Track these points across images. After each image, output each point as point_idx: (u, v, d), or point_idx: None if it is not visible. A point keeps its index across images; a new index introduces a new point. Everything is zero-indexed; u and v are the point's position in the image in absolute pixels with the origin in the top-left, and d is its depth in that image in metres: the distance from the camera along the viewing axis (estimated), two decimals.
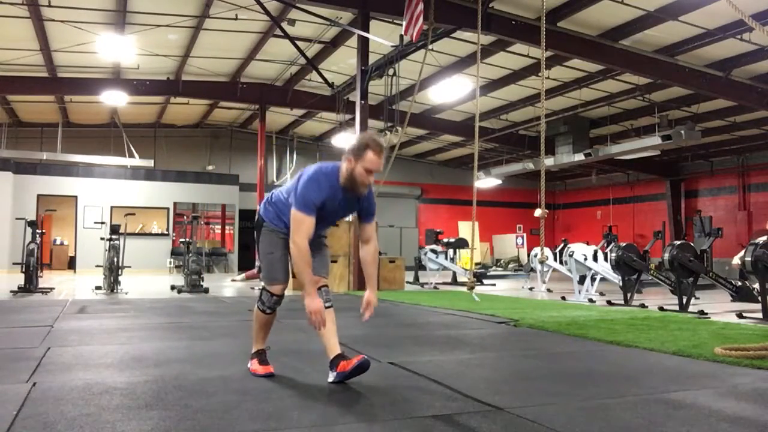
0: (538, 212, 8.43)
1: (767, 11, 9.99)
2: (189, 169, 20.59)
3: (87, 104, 17.75)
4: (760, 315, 6.50)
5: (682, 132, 14.30)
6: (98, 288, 10.15)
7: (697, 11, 10.52)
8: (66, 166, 18.80)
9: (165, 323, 5.93)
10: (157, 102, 18.38)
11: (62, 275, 16.67)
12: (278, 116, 19.76)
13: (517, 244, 23.20)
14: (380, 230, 12.52)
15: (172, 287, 10.66)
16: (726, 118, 16.18)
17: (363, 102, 11.75)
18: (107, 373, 3.45)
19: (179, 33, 13.11)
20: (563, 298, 9.59)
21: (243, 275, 15.12)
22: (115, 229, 10.19)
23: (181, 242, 12.21)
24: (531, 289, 11.94)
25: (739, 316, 6.67)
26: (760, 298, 6.74)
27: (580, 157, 17.11)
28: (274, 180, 22.46)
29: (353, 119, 12.42)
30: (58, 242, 20.74)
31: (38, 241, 10.21)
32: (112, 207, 18.24)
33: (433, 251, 13.50)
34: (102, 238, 10.62)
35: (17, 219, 12.41)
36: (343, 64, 14.61)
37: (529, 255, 14.12)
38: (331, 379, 3.16)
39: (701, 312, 6.98)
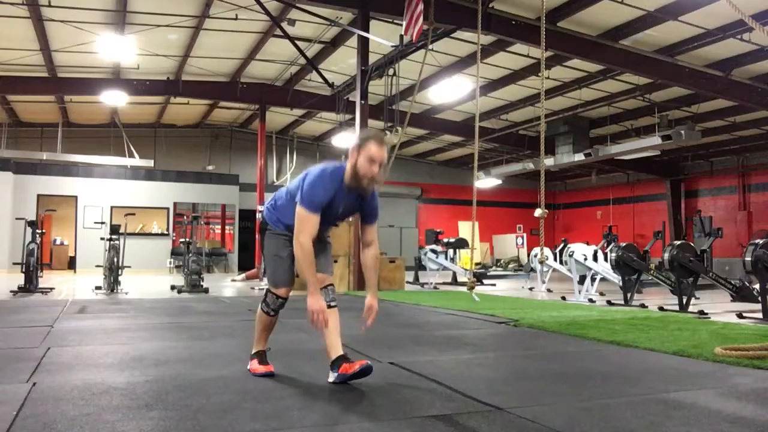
0: (538, 212, 8.42)
1: (767, 11, 9.99)
2: (189, 169, 20.59)
3: (87, 104, 17.75)
4: (760, 315, 6.50)
5: (682, 132, 14.30)
6: (98, 288, 10.15)
7: (697, 11, 10.52)
8: (66, 166, 18.79)
9: (165, 323, 5.93)
10: (157, 102, 18.38)
11: (62, 275, 16.67)
12: (278, 116, 19.77)
13: (517, 244, 23.20)
14: (380, 230, 12.44)
15: (172, 287, 10.67)
16: (726, 118, 16.18)
17: (363, 102, 11.74)
18: (107, 373, 3.45)
19: (179, 33, 13.11)
20: (563, 298, 9.59)
21: (243, 275, 15.12)
22: (115, 229, 10.19)
23: (181, 242, 12.21)
24: (531, 289, 11.94)
25: (739, 316, 6.67)
26: (760, 298, 6.74)
27: (580, 157, 17.11)
28: (274, 180, 22.47)
29: (353, 119, 12.42)
30: (58, 242, 20.74)
31: (38, 241, 10.21)
32: (112, 207, 18.24)
33: (433, 251, 13.50)
34: (102, 238, 10.62)
35: (17, 219, 12.41)
36: (343, 64, 14.61)
37: (529, 255, 14.12)
38: (331, 379, 3.16)
39: (701, 312, 6.98)
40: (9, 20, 11.95)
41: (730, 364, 3.80)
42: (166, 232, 19.34)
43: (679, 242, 7.99)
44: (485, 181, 21.29)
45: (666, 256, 7.76)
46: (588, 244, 11.24)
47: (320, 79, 14.20)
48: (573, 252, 9.76)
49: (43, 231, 11.73)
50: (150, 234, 19.38)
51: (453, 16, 11.02)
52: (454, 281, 14.11)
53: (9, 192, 17.59)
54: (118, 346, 4.46)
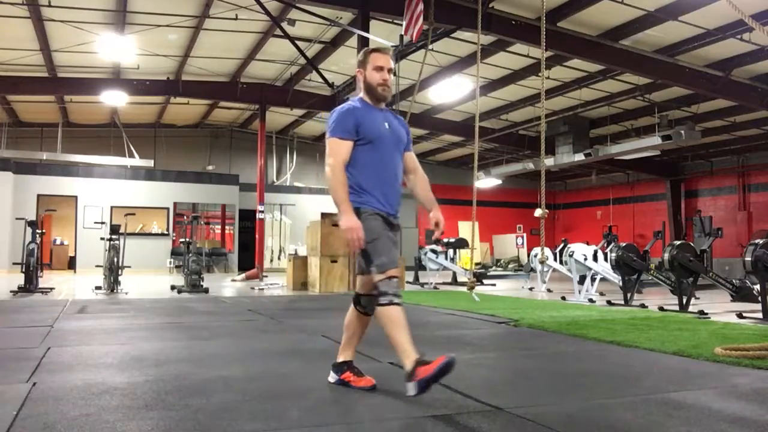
0: (538, 212, 8.43)
1: (767, 11, 9.99)
2: (189, 169, 20.59)
3: (87, 104, 17.76)
4: (760, 315, 6.50)
5: (682, 132, 14.30)
6: (98, 288, 10.15)
7: (697, 11, 10.52)
8: (66, 166, 18.80)
9: (165, 323, 5.93)
10: (157, 102, 18.38)
11: (62, 275, 16.67)
12: (278, 116, 19.77)
13: (517, 244, 23.20)
14: None
15: (172, 287, 10.66)
16: (726, 118, 16.19)
17: None
18: (107, 373, 3.45)
19: (179, 33, 13.11)
20: (563, 298, 9.59)
21: (243, 275, 15.12)
22: (115, 229, 10.18)
23: (181, 242, 12.20)
24: (531, 289, 11.94)
25: (739, 316, 6.67)
26: (760, 298, 6.74)
27: (580, 157, 17.11)
28: (274, 180, 22.47)
29: None
30: (58, 242, 20.75)
31: (38, 241, 10.21)
32: (112, 207, 18.24)
33: (433, 251, 13.49)
34: (102, 238, 10.62)
35: (17, 219, 12.41)
36: (343, 64, 14.61)
37: (529, 255, 14.12)
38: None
39: (701, 312, 6.98)
40: (9, 20, 11.95)
41: (730, 364, 3.79)
42: (166, 232, 19.34)
43: (679, 242, 7.99)
44: (485, 181, 21.29)
45: (666, 256, 7.76)
46: (588, 244, 11.23)
47: (320, 79, 14.21)
48: (573, 252, 9.75)
49: (43, 231, 11.73)
50: (150, 234, 19.38)
51: (453, 16, 11.02)
52: (454, 281, 14.11)
53: (9, 192, 17.59)
54: (118, 346, 4.46)
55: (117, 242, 10.07)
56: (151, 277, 15.55)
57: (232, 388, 3.09)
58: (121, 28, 12.42)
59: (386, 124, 3.09)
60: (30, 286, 9.69)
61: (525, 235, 23.19)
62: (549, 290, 11.27)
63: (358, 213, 2.95)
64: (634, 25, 11.36)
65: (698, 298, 8.57)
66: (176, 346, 4.51)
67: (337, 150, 2.97)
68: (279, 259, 20.75)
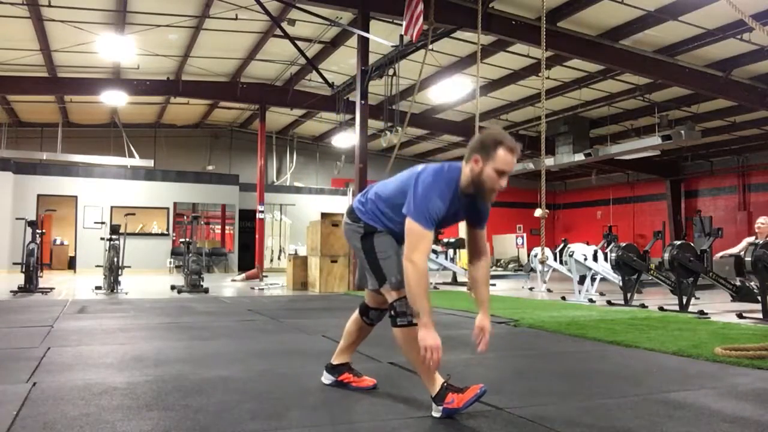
0: (538, 212, 8.43)
1: (767, 11, 9.99)
2: (189, 169, 20.59)
3: (87, 104, 17.76)
4: (760, 315, 6.50)
5: (682, 132, 14.30)
6: (98, 288, 10.15)
7: (697, 11, 10.53)
8: (66, 166, 18.79)
9: (165, 323, 5.93)
10: (157, 102, 18.38)
11: (62, 275, 16.67)
12: (278, 116, 19.77)
13: (517, 244, 23.19)
14: None
15: (172, 287, 10.66)
16: (726, 118, 16.19)
17: (363, 102, 11.74)
18: (107, 373, 3.45)
19: (179, 33, 13.11)
20: (563, 298, 9.59)
21: (243, 275, 15.12)
22: (115, 229, 10.19)
23: (181, 242, 12.20)
24: (531, 289, 11.94)
25: (739, 316, 6.67)
26: (760, 298, 6.74)
27: (580, 157, 17.11)
28: (274, 180, 22.48)
29: (353, 119, 12.42)
30: (58, 242, 20.74)
31: (38, 241, 10.21)
32: (112, 207, 18.23)
33: (433, 251, 13.48)
34: (102, 238, 10.62)
35: (17, 219, 12.41)
36: (343, 64, 14.61)
37: (529, 255, 14.11)
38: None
39: (701, 312, 6.98)
40: (9, 20, 11.95)
41: (730, 364, 3.80)
42: (166, 232, 19.34)
43: (679, 242, 7.99)
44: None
45: (666, 256, 7.76)
46: (588, 244, 11.23)
47: (320, 79, 14.20)
48: (573, 252, 9.75)
49: (43, 231, 11.72)
50: (150, 234, 19.38)
51: (453, 16, 11.02)
52: (454, 281, 14.11)
53: (9, 192, 17.59)
54: (118, 346, 4.46)
55: (117, 242, 10.07)
56: (151, 277, 15.55)
57: (232, 388, 3.09)
58: (121, 28, 12.42)
59: (455, 211, 2.70)
60: (30, 286, 9.69)
61: (525, 235, 23.19)
62: (549, 290, 11.27)
63: (372, 232, 2.79)
64: (634, 25, 11.36)
65: (698, 298, 8.56)
66: (176, 346, 4.51)
67: (423, 243, 2.54)
68: (279, 259, 20.75)
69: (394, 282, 2.66)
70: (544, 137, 8.85)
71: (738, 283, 8.84)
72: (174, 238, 19.08)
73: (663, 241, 16.65)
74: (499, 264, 23.21)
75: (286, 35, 12.33)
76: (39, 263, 10.34)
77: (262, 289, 11.70)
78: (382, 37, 11.44)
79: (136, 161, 19.30)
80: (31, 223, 10.27)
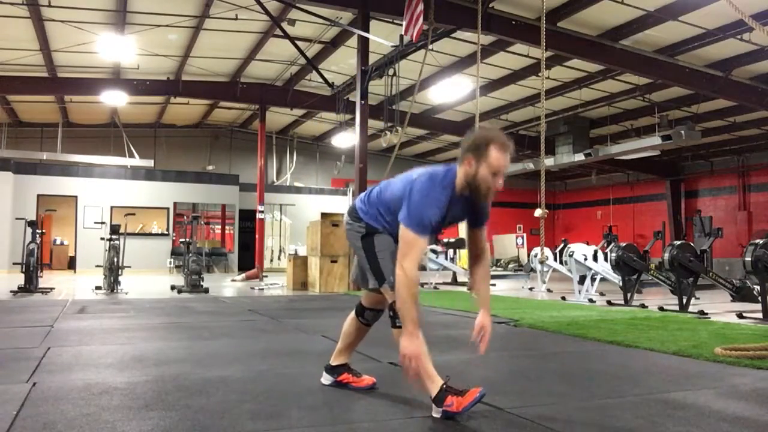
0: (538, 212, 8.43)
1: (767, 11, 9.99)
2: (189, 169, 20.59)
3: (87, 104, 17.76)
4: (760, 315, 6.50)
5: (682, 132, 14.30)
6: (98, 288, 10.15)
7: (697, 11, 10.52)
8: (66, 166, 18.79)
9: (165, 323, 5.93)
10: (157, 102, 18.38)
11: (62, 275, 16.67)
12: (278, 116, 19.77)
13: (517, 244, 23.19)
14: None
15: (172, 287, 10.66)
16: (726, 118, 16.19)
17: (363, 102, 11.75)
18: (107, 373, 3.45)
19: (179, 33, 13.11)
20: (563, 298, 9.59)
21: (243, 275, 15.12)
22: (115, 229, 10.18)
23: (181, 242, 12.21)
24: (531, 289, 11.94)
25: (739, 316, 6.67)
26: (760, 298, 6.74)
27: (580, 157, 17.11)
28: (274, 180, 22.48)
29: (353, 119, 12.42)
30: (58, 242, 20.74)
31: (38, 241, 10.21)
32: (112, 207, 18.23)
33: (433, 251, 13.49)
34: (102, 238, 10.62)
35: (17, 219, 12.41)
36: (343, 64, 14.61)
37: (529, 255, 14.12)
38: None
39: (701, 312, 6.98)
40: (9, 20, 11.95)
41: (730, 364, 3.80)
42: (166, 232, 19.34)
43: (679, 242, 7.99)
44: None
45: (666, 256, 7.76)
46: (588, 244, 11.23)
47: (320, 79, 14.20)
48: (573, 252, 9.75)
49: (43, 231, 11.72)
50: (150, 234, 19.38)
51: (453, 16, 11.02)
52: (454, 281, 14.11)
53: (9, 192, 17.59)
54: (118, 346, 4.46)
55: (117, 242, 10.07)
56: (151, 277, 15.55)
57: (232, 388, 3.09)
58: (121, 28, 12.42)
59: (452, 213, 2.66)
60: (30, 286, 9.69)
61: (525, 235, 23.18)
62: (549, 290, 11.27)
63: (373, 232, 2.77)
64: (634, 25, 11.36)
65: (698, 298, 8.57)
66: (176, 346, 4.51)
67: (414, 249, 2.52)
68: (279, 259, 20.75)
69: (393, 282, 2.63)
70: (544, 137, 8.86)
71: (738, 283, 8.85)
72: (174, 238, 19.08)
73: (663, 241, 16.66)
74: (499, 264, 23.21)
75: (286, 35, 12.33)
76: (39, 263, 10.33)
77: (262, 289, 11.70)
78: (382, 37, 11.44)
79: (136, 161, 19.30)
80: (31, 223, 10.27)
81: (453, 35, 11.65)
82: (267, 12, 11.35)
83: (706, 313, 6.93)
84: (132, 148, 19.36)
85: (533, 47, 11.66)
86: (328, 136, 21.17)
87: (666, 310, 7.42)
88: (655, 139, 14.98)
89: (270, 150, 21.52)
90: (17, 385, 3.10)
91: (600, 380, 3.41)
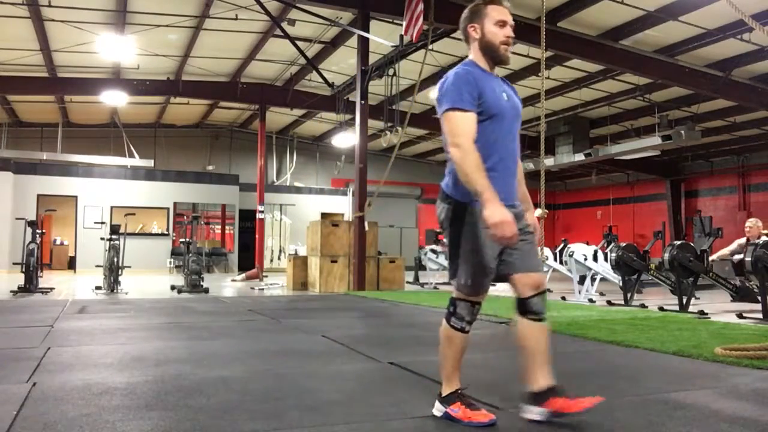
0: (538, 212, 8.38)
1: (767, 11, 9.99)
2: (189, 169, 20.60)
3: (87, 104, 17.76)
4: (760, 315, 6.50)
5: (682, 132, 14.30)
6: (98, 288, 10.15)
7: (697, 11, 10.52)
8: (66, 166, 18.80)
9: (165, 323, 5.93)
10: (157, 102, 18.38)
11: (62, 275, 16.67)
12: (278, 116, 19.77)
13: None
14: (380, 230, 12.53)
15: (172, 287, 10.66)
16: (726, 118, 16.18)
17: (363, 102, 11.75)
18: (107, 373, 3.45)
19: (179, 33, 13.11)
20: (563, 298, 9.59)
21: (243, 275, 15.12)
22: (115, 229, 10.19)
23: (181, 242, 12.21)
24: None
25: (739, 316, 6.67)
26: (760, 298, 6.74)
27: (580, 157, 17.11)
28: (274, 180, 22.48)
29: (353, 119, 12.42)
30: (58, 242, 20.74)
31: (38, 241, 10.21)
32: (112, 207, 18.23)
33: (433, 251, 13.49)
34: (102, 238, 10.62)
35: (17, 219, 12.41)
36: (343, 64, 14.62)
37: None
38: (532, 416, 2.48)
39: (701, 312, 6.98)
40: (9, 20, 11.95)
41: (730, 364, 3.79)
42: (166, 232, 19.34)
43: (679, 242, 7.99)
44: None
45: (666, 256, 7.76)
46: (588, 244, 11.23)
47: (320, 79, 14.20)
48: (573, 252, 9.75)
49: (43, 231, 11.72)
50: (150, 234, 19.38)
51: (453, 16, 10.94)
52: None
53: (9, 192, 17.59)
54: (118, 346, 4.46)
55: (117, 242, 10.07)
56: (151, 277, 15.55)
57: (232, 388, 3.09)
58: (121, 28, 12.42)
59: (504, 94, 2.53)
60: (30, 286, 9.69)
61: None
62: (549, 290, 11.25)
63: (462, 212, 2.46)
64: (634, 25, 11.36)
65: (698, 298, 8.57)
66: (176, 346, 4.51)
67: (463, 125, 2.38)
68: (279, 259, 20.75)
69: (462, 284, 2.48)
70: (544, 137, 8.84)
71: (738, 283, 8.85)
72: (174, 238, 19.08)
73: (663, 241, 16.65)
74: None
75: (286, 35, 12.34)
76: (39, 263, 10.34)
77: (262, 289, 11.70)
78: (382, 37, 11.45)
79: (136, 161, 19.30)
80: (31, 223, 10.27)
81: (453, 35, 11.65)
82: (267, 12, 11.36)
83: (706, 313, 6.93)
84: (132, 148, 19.36)
85: (533, 47, 11.65)
86: (328, 136, 21.17)
87: (666, 310, 7.42)
88: (655, 139, 14.98)
89: (270, 150, 21.52)
90: (17, 385, 3.10)
91: (600, 380, 3.41)
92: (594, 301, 8.84)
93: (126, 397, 2.86)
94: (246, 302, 8.58)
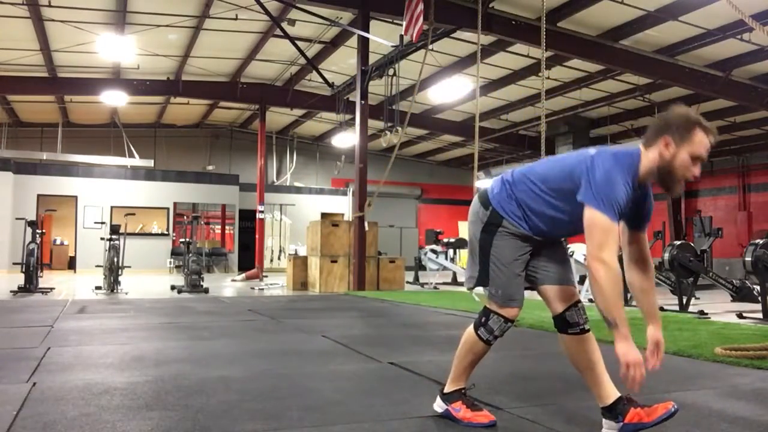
0: None
1: (767, 11, 9.99)
2: (189, 169, 20.60)
3: (87, 104, 17.76)
4: (760, 315, 6.50)
5: None
6: (98, 288, 10.15)
7: (697, 11, 10.52)
8: (66, 166, 18.80)
9: (165, 323, 5.93)
10: (157, 102, 18.38)
11: (62, 275, 16.67)
12: (278, 116, 19.77)
13: None
14: (380, 230, 12.53)
15: (172, 287, 10.66)
16: (726, 118, 16.18)
17: (363, 102, 11.75)
18: (107, 373, 3.45)
19: (179, 33, 13.11)
20: None
21: (243, 275, 15.12)
22: (115, 229, 10.19)
23: (181, 242, 12.21)
24: (531, 289, 11.93)
25: (739, 316, 6.67)
26: (760, 298, 6.73)
27: None
28: (274, 180, 22.48)
29: (353, 119, 12.43)
30: (58, 242, 20.75)
31: (38, 241, 10.20)
32: (112, 207, 18.24)
33: (433, 251, 13.49)
34: (102, 238, 10.62)
35: (17, 219, 12.41)
36: (343, 64, 14.61)
37: None
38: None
39: (701, 312, 6.97)
40: (9, 20, 11.95)
41: (730, 364, 3.79)
42: (166, 232, 19.35)
43: (679, 242, 7.99)
44: (485, 181, 21.30)
45: (666, 256, 7.76)
46: None
47: (320, 79, 14.20)
48: (573, 252, 9.75)
49: (43, 231, 11.72)
50: (150, 234, 19.38)
51: (453, 16, 11.02)
52: (454, 281, 14.10)
53: (9, 192, 17.59)
54: (118, 346, 4.46)
55: (117, 242, 10.07)
56: (151, 277, 15.55)
57: (232, 388, 3.09)
58: (121, 28, 12.42)
59: (628, 202, 2.22)
60: (30, 286, 9.68)
61: None
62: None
63: (496, 225, 2.38)
64: (634, 25, 11.36)
65: (698, 298, 8.57)
66: (176, 346, 4.51)
67: (610, 237, 2.13)
68: (279, 259, 20.76)
69: (494, 294, 2.43)
70: (544, 137, 8.85)
71: (738, 283, 8.85)
72: (174, 238, 19.09)
73: (663, 241, 16.65)
74: None
75: (286, 35, 12.34)
76: (39, 263, 10.33)
77: (262, 289, 11.70)
78: (382, 37, 11.45)
79: (136, 161, 19.31)
80: (31, 223, 10.27)
81: (453, 35, 11.65)
82: (267, 12, 11.35)
83: (706, 313, 6.93)
84: (132, 148, 19.36)
85: (533, 47, 11.66)
86: (328, 136, 21.17)
87: (666, 310, 7.41)
88: None
89: (270, 150, 21.52)
90: (17, 385, 3.10)
91: None
92: (594, 301, 8.84)
93: (126, 397, 2.86)
94: (246, 302, 8.58)
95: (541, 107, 8.63)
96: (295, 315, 6.94)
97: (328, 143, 21.63)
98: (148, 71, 15.31)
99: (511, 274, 2.39)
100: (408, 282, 13.06)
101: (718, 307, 7.99)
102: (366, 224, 11.40)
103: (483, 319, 2.48)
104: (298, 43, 12.71)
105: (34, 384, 3.12)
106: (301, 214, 20.67)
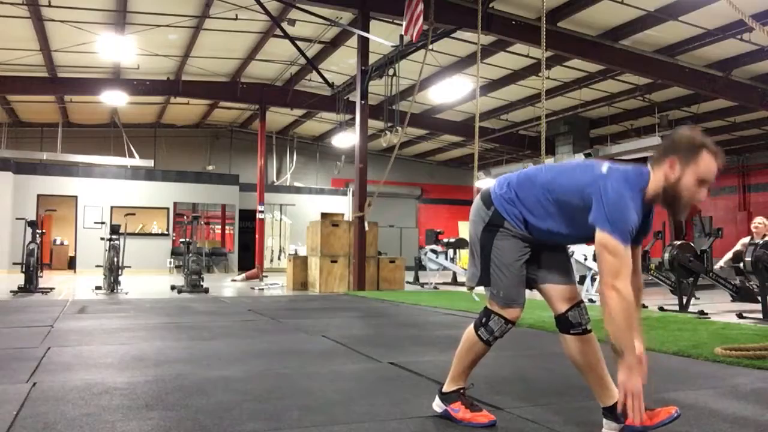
0: None
1: (767, 11, 9.99)
2: (189, 169, 20.60)
3: (87, 104, 17.76)
4: (760, 315, 6.50)
5: None
6: (98, 288, 10.16)
7: (697, 11, 10.53)
8: (66, 166, 18.80)
9: (165, 323, 5.93)
10: (157, 102, 18.38)
11: (62, 275, 16.67)
12: (278, 116, 19.77)
13: None
14: (380, 230, 12.53)
15: (172, 287, 10.66)
16: (726, 118, 16.19)
17: (363, 102, 11.75)
18: (107, 373, 3.45)
19: (179, 33, 13.11)
20: None
21: (243, 275, 15.12)
22: (115, 229, 10.19)
23: (181, 242, 12.21)
24: (531, 289, 11.93)
25: (739, 316, 6.66)
26: (760, 298, 6.73)
27: (580, 157, 17.10)
28: (274, 180, 22.48)
29: (353, 119, 12.43)
30: (58, 242, 20.75)
31: (38, 241, 10.21)
32: (112, 207, 18.24)
33: (433, 251, 13.49)
34: (102, 238, 10.63)
35: (17, 219, 12.42)
36: (343, 64, 14.62)
37: None
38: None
39: (701, 312, 6.97)
40: (9, 20, 11.95)
41: (730, 364, 3.79)
42: (166, 232, 19.35)
43: (679, 242, 7.98)
44: (485, 181, 21.30)
45: (666, 256, 7.75)
46: (588, 244, 11.23)
47: (320, 79, 14.21)
48: (573, 252, 9.76)
49: (43, 231, 11.72)
50: (150, 234, 19.38)
51: (453, 16, 11.02)
52: (454, 281, 14.10)
53: (9, 192, 17.59)
54: (118, 346, 4.46)
55: (117, 242, 10.07)
56: (151, 277, 15.55)
57: (232, 388, 3.09)
58: (121, 28, 12.42)
59: (641, 220, 2.23)
60: (30, 286, 9.69)
61: None
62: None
63: (497, 226, 2.37)
64: (634, 25, 11.37)
65: (698, 298, 8.56)
66: (176, 346, 4.51)
67: (626, 264, 2.10)
68: (279, 259, 20.76)
69: (495, 294, 2.44)
70: (544, 137, 8.85)
71: (738, 283, 8.85)
72: (174, 238, 19.09)
73: (663, 241, 16.63)
74: None
75: (286, 35, 12.34)
76: (39, 263, 10.33)
77: (262, 289, 11.70)
78: (382, 37, 11.45)
79: (136, 161, 19.31)
80: (31, 223, 10.27)
81: (453, 35, 11.66)
82: (267, 12, 11.36)
83: (706, 313, 6.93)
84: (132, 148, 19.36)
85: (533, 47, 11.66)
86: (328, 136, 21.17)
87: (666, 310, 7.41)
88: (655, 139, 14.99)
89: (270, 150, 21.52)
90: (17, 385, 3.10)
91: None
92: (594, 301, 8.83)
93: (126, 397, 2.86)
94: (246, 302, 8.58)
95: (541, 107, 8.64)
96: (295, 315, 6.94)
97: (328, 143, 21.64)
98: (148, 71, 15.32)
99: (513, 275, 2.40)
100: (408, 282, 13.06)
101: (718, 307, 7.99)
102: (366, 224, 11.40)
103: (484, 320, 2.50)
104: (298, 43, 12.71)
105: (34, 384, 3.12)
106: (301, 214, 20.67)
